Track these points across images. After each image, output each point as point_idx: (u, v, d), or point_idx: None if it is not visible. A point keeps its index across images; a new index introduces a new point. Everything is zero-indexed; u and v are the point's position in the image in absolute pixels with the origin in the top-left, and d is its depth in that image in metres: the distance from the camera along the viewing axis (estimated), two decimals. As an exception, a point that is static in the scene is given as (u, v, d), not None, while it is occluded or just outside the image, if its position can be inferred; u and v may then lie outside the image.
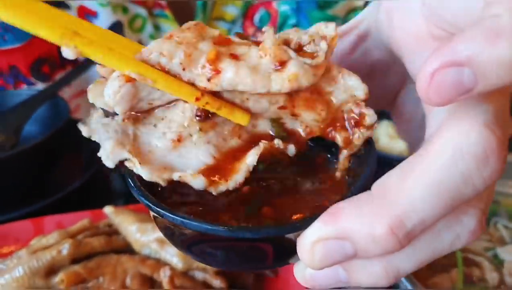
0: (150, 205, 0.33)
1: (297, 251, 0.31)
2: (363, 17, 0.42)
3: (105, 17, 0.80)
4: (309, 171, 0.38)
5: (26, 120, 0.75)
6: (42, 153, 0.71)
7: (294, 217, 0.34)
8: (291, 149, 0.37)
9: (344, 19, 0.86)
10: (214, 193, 0.34)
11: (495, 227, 0.72)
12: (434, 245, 0.32)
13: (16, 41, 0.77)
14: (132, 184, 0.34)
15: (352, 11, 0.86)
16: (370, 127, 0.35)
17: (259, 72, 0.33)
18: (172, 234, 0.36)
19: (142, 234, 0.63)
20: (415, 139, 0.44)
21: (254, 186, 0.36)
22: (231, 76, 0.33)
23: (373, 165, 0.35)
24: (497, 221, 0.73)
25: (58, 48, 0.31)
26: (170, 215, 0.32)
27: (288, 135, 0.37)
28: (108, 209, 0.67)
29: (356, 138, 0.35)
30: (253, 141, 0.37)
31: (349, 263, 0.32)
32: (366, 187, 0.31)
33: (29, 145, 0.68)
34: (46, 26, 0.29)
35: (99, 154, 0.34)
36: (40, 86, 0.82)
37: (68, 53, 0.30)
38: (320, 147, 0.40)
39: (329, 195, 0.36)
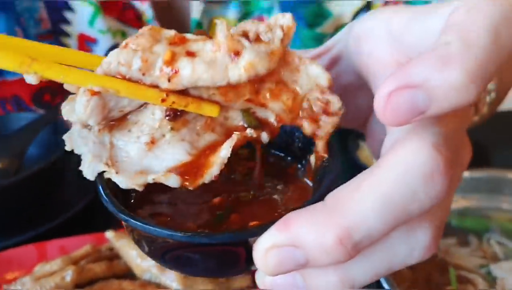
0: (115, 211, 0.35)
1: (253, 256, 0.32)
2: (336, 41, 0.44)
3: (105, 43, 0.82)
4: (279, 181, 0.40)
5: (29, 143, 0.77)
6: (45, 178, 0.72)
7: (251, 223, 0.35)
8: (264, 137, 0.38)
9: (333, 36, 0.88)
10: (190, 188, 0.35)
11: (488, 244, 0.71)
12: (389, 258, 0.33)
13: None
14: (102, 192, 0.36)
15: (341, 27, 0.87)
16: (336, 113, 0.36)
17: (216, 66, 0.34)
18: (141, 243, 0.38)
19: (142, 259, 0.64)
20: None
21: (225, 197, 0.38)
22: (189, 73, 0.34)
23: (334, 175, 0.36)
24: (489, 237, 0.72)
25: None
26: (131, 220, 0.34)
27: (261, 124, 0.38)
28: (109, 234, 0.68)
29: (322, 124, 0.36)
30: (227, 133, 0.38)
31: (307, 271, 0.33)
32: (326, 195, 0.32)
33: (32, 170, 0.69)
34: (3, 58, 0.31)
35: (80, 168, 0.36)
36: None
37: (30, 79, 0.32)
38: (292, 158, 0.42)
39: (294, 204, 0.38)
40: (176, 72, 0.34)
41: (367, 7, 0.86)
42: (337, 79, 0.44)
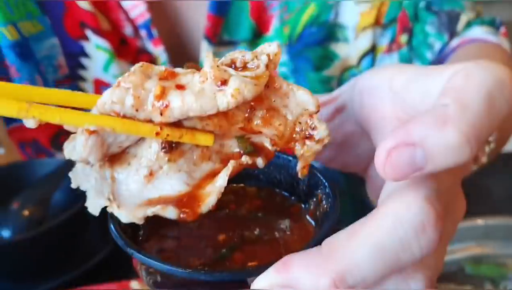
0: (122, 244, 0.37)
1: None
2: (341, 92, 0.47)
3: None
4: (283, 221, 0.42)
5: (54, 191, 0.78)
6: (70, 227, 0.73)
7: (251, 263, 0.37)
8: (260, 162, 0.39)
9: (339, 78, 0.90)
10: (189, 219, 0.36)
11: (505, 291, 0.70)
12: None
13: None
14: (111, 227, 0.38)
15: (347, 69, 0.90)
16: (320, 141, 0.37)
17: (204, 95, 0.35)
18: (146, 277, 0.40)
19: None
20: None
21: (230, 235, 0.40)
22: (179, 105, 0.35)
23: (333, 220, 0.38)
24: (506, 285, 0.71)
25: None
26: (136, 253, 0.36)
27: (256, 149, 0.39)
28: (134, 284, 0.68)
29: (305, 150, 0.37)
30: (224, 161, 0.39)
31: None
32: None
33: (59, 220, 0.70)
34: (1, 108, 0.33)
35: (86, 205, 0.38)
36: (59, 156, 0.88)
37: (30, 124, 0.34)
38: (297, 198, 0.45)
39: (296, 245, 0.40)
40: (167, 106, 0.35)
41: (372, 50, 0.89)
42: (340, 127, 0.48)
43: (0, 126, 0.85)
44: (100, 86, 0.85)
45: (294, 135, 0.38)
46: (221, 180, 0.37)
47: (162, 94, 0.35)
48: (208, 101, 0.35)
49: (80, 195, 0.76)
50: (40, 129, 0.87)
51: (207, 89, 0.35)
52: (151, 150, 0.38)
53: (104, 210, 0.38)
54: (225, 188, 0.37)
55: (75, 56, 0.84)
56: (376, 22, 0.88)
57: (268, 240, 0.41)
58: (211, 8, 0.81)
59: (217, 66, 0.36)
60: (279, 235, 0.41)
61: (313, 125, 0.37)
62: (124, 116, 0.36)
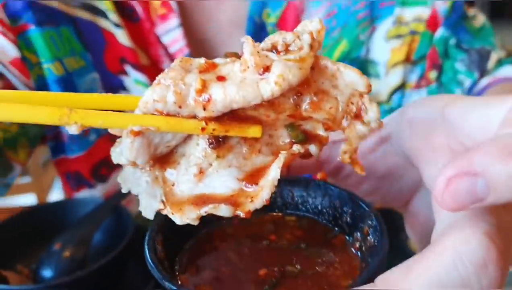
0: (159, 277, 0.36)
1: None
2: (387, 122, 0.46)
3: None
4: (326, 253, 0.41)
5: (95, 231, 0.80)
6: (112, 267, 0.74)
7: None
8: (313, 149, 0.37)
9: None
10: (243, 216, 0.35)
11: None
12: None
13: (80, 150, 0.88)
14: (148, 258, 0.38)
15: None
16: (367, 124, 0.35)
17: (246, 85, 0.34)
18: None
19: None
20: (424, 240, 0.49)
21: (272, 270, 0.39)
22: (221, 97, 0.34)
23: (382, 255, 0.36)
24: None
25: None
26: (173, 288, 0.35)
27: (308, 137, 0.37)
28: None
29: (351, 131, 0.35)
30: (275, 153, 0.37)
31: None
32: (374, 276, 0.33)
33: (102, 262, 0.71)
34: (43, 113, 0.33)
35: (139, 209, 0.38)
36: (99, 187, 0.91)
37: (73, 130, 0.35)
38: (338, 229, 0.44)
39: (340, 280, 0.38)
40: (209, 99, 0.34)
41: (402, 86, 0.90)
42: (383, 158, 0.47)
43: (26, 155, 0.88)
44: None
45: (344, 119, 0.36)
46: (274, 172, 0.36)
47: (203, 88, 0.34)
48: (251, 90, 0.34)
49: (120, 234, 0.77)
50: (81, 161, 0.90)
51: (249, 78, 0.34)
52: (198, 148, 0.37)
53: (141, 247, 0.38)
54: (265, 216, 0.37)
55: (114, 90, 0.87)
56: (407, 59, 0.89)
57: (311, 275, 0.39)
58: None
59: (257, 52, 0.34)
60: (322, 269, 0.40)
61: (363, 106, 0.35)
62: (168, 114, 0.36)
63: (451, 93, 0.86)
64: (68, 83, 0.84)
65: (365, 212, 0.41)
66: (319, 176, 0.45)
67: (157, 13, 0.82)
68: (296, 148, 0.36)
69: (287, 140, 0.38)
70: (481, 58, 0.87)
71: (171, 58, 0.85)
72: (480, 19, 0.90)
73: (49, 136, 0.90)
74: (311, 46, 0.34)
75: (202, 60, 0.36)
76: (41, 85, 0.82)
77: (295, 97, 0.36)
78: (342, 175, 0.50)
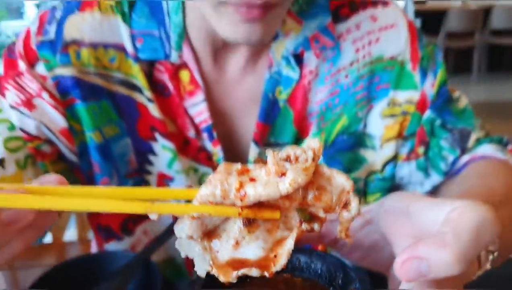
0: None
1: None
2: (370, 209, 0.66)
3: (180, 181, 1.00)
4: None
5: (128, 284, 0.85)
6: None
7: None
8: (316, 227, 0.54)
9: (365, 181, 1.07)
10: (268, 276, 0.52)
11: None
12: None
13: None
14: None
15: (372, 173, 1.07)
16: (352, 212, 0.53)
17: (270, 185, 0.51)
18: None
19: None
20: None
21: None
22: (253, 193, 0.51)
23: None
24: None
25: None
26: None
27: (312, 217, 0.54)
28: None
29: (343, 217, 0.52)
30: (289, 229, 0.54)
31: None
32: None
33: None
34: (134, 208, 0.51)
35: (195, 269, 0.55)
36: (126, 240, 1.03)
37: (153, 216, 0.52)
38: (333, 289, 0.60)
39: None
40: (244, 195, 0.52)
41: (395, 158, 1.05)
42: (368, 235, 0.65)
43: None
44: (163, 179, 1.01)
45: (337, 207, 0.53)
46: (289, 244, 0.53)
47: (240, 187, 0.52)
48: (272, 189, 0.51)
49: (149, 287, 0.86)
50: (112, 216, 1.06)
51: (272, 180, 0.51)
52: (235, 226, 0.54)
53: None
54: (277, 277, 0.52)
55: (144, 154, 1.00)
56: (399, 135, 1.03)
57: None
58: (260, 117, 0.97)
59: (277, 162, 0.52)
60: None
61: (349, 200, 0.52)
62: (216, 204, 0.53)
63: (436, 167, 1.03)
64: (105, 149, 0.98)
65: (352, 277, 0.58)
66: (320, 247, 0.61)
67: (185, 90, 0.96)
68: (304, 226, 0.53)
69: (298, 220, 0.55)
70: (462, 138, 1.01)
71: (196, 127, 0.98)
72: (463, 101, 1.06)
73: None
74: (313, 159, 0.52)
75: (239, 166, 0.54)
76: (83, 150, 0.97)
77: (303, 191, 0.53)
78: (337, 245, 0.68)
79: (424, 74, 1.03)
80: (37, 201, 0.48)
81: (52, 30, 0.93)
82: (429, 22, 8.23)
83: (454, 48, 8.95)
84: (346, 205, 0.52)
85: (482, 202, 0.51)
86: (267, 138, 1.00)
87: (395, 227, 0.58)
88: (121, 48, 0.94)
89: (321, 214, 0.54)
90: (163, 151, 0.99)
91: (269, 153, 0.53)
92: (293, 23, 0.96)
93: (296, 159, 0.53)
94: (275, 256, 0.53)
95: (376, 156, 1.05)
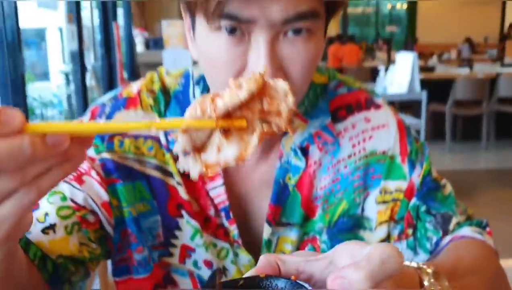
0: None
1: None
2: (330, 253, 0.76)
3: (201, 253, 1.17)
4: None
5: None
6: None
7: None
8: (274, 127, 0.75)
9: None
10: (242, 162, 0.72)
11: None
12: None
13: (144, 273, 1.17)
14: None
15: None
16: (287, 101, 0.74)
17: (232, 95, 0.73)
18: None
19: None
20: None
21: None
22: (221, 103, 0.73)
23: None
24: None
25: None
26: None
27: (269, 124, 0.76)
28: None
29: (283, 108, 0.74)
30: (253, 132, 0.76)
31: None
32: None
33: None
34: (139, 125, 0.73)
35: (188, 171, 0.75)
36: None
37: (153, 132, 0.74)
38: None
39: None
40: (216, 106, 0.74)
41: (387, 239, 1.25)
42: (330, 272, 0.77)
43: (95, 267, 1.16)
44: (186, 250, 1.18)
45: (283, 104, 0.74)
46: (254, 140, 0.73)
47: (212, 101, 0.74)
48: (235, 97, 0.73)
49: None
50: (145, 280, 1.25)
51: (233, 92, 0.73)
52: (216, 136, 0.75)
53: None
54: None
55: (171, 229, 1.17)
56: (390, 218, 1.22)
57: None
58: (272, 200, 1.17)
59: (236, 81, 0.74)
60: None
61: (288, 96, 0.74)
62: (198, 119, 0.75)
63: (423, 247, 1.22)
64: (137, 223, 1.15)
65: None
66: (293, 277, 0.73)
67: (207, 175, 1.16)
68: (265, 127, 0.74)
69: (259, 126, 0.76)
70: (444, 221, 1.19)
71: (216, 207, 1.15)
72: (448, 188, 1.24)
73: (116, 261, 1.20)
74: (260, 74, 0.74)
75: (211, 94, 0.77)
76: (118, 223, 1.14)
77: (259, 102, 0.75)
78: (312, 283, 0.81)
79: (412, 166, 1.21)
80: (71, 127, 0.71)
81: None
82: (437, 90, 8.62)
83: (462, 116, 9.27)
84: (286, 101, 0.74)
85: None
86: (279, 218, 1.20)
87: (343, 262, 0.71)
88: (157, 140, 1.15)
89: (276, 120, 0.75)
90: (187, 227, 1.16)
91: (230, 79, 0.76)
92: (299, 122, 1.17)
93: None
94: (245, 150, 0.74)
95: (372, 237, 1.23)
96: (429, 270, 0.89)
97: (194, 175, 0.75)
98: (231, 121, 0.75)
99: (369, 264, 0.65)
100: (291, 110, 0.74)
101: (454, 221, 1.19)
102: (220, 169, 0.74)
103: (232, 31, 0.94)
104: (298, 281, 0.70)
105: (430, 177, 1.22)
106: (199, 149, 0.77)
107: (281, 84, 0.74)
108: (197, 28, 1.01)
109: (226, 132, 0.75)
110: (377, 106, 1.23)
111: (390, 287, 0.69)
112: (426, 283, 0.86)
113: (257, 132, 0.74)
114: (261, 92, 0.75)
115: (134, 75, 8.61)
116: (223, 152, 0.75)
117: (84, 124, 0.67)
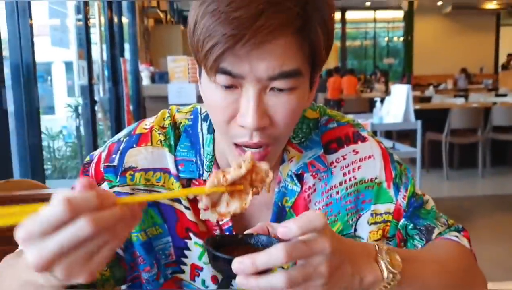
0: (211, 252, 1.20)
1: None
2: (265, 225, 1.09)
3: (207, 271, 1.32)
4: None
5: None
6: None
7: None
8: (260, 189, 1.25)
9: None
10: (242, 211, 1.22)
11: None
12: None
13: (153, 288, 1.27)
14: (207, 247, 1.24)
15: None
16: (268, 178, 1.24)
17: (236, 172, 1.24)
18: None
19: None
20: None
21: None
22: (229, 176, 1.24)
23: None
24: None
25: None
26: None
27: (256, 187, 1.26)
28: None
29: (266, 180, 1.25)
30: (247, 193, 1.26)
31: None
32: None
33: None
34: (179, 193, 1.24)
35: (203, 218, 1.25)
36: None
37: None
38: None
39: None
40: (226, 178, 1.24)
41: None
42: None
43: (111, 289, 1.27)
44: (194, 269, 1.33)
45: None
46: (248, 198, 1.24)
47: (223, 176, 1.25)
48: (237, 173, 1.24)
49: None
50: None
51: (236, 170, 1.24)
52: (225, 197, 1.26)
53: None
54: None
55: (181, 249, 1.31)
56: (383, 236, 1.37)
57: None
58: (272, 220, 1.33)
59: (238, 165, 1.25)
60: None
61: (268, 173, 1.24)
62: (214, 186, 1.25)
63: None
64: (148, 245, 1.30)
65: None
66: (273, 235, 1.02)
67: (220, 220, 1.28)
68: (254, 189, 1.25)
69: (250, 189, 1.26)
70: (428, 232, 1.35)
71: (220, 228, 1.32)
72: (430, 203, 1.41)
73: (129, 278, 1.35)
74: (250, 161, 1.26)
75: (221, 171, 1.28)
76: (128, 246, 1.29)
77: (250, 176, 1.26)
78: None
79: (397, 189, 1.36)
80: (148, 197, 1.22)
81: (116, 158, 1.29)
82: (433, 119, 9.06)
83: (459, 144, 9.70)
84: (267, 174, 1.25)
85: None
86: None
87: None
88: (166, 171, 1.30)
89: (259, 185, 1.27)
90: (195, 247, 1.31)
91: (233, 165, 1.27)
92: (295, 152, 1.34)
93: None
94: (245, 204, 1.24)
95: None
96: (385, 246, 1.05)
97: (213, 221, 1.26)
98: (234, 187, 1.25)
99: (299, 220, 0.90)
100: (270, 179, 1.25)
101: (436, 231, 1.35)
102: (229, 217, 1.24)
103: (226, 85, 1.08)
104: (274, 237, 0.99)
105: (415, 198, 1.37)
106: (214, 204, 1.28)
107: (263, 165, 1.26)
108: (202, 76, 1.18)
109: (231, 193, 1.26)
110: (363, 139, 1.39)
111: (330, 235, 0.90)
112: (379, 254, 1.02)
113: (250, 193, 1.25)
114: (252, 169, 1.26)
115: (140, 107, 9.12)
116: (230, 206, 1.26)
117: (158, 194, 1.15)
